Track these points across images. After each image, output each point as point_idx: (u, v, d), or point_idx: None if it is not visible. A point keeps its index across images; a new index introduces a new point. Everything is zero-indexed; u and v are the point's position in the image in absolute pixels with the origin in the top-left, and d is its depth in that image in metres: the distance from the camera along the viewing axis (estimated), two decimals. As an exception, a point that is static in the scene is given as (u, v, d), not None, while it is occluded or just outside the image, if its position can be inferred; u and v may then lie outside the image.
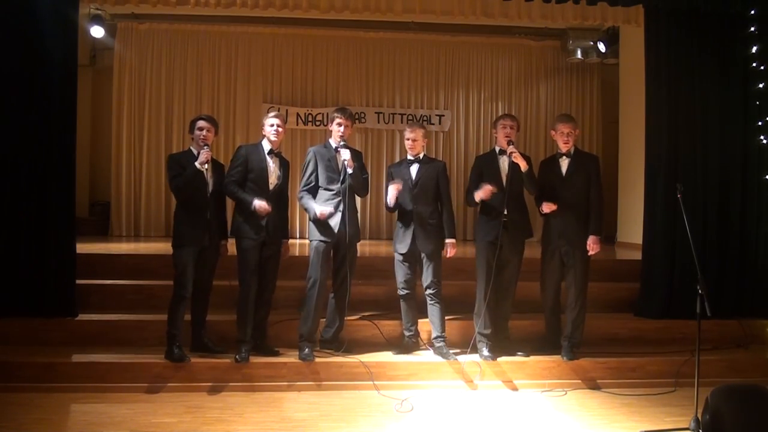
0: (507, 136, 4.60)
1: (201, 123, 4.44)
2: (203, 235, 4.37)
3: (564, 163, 4.67)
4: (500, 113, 8.83)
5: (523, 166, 4.49)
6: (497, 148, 4.72)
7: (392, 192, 4.56)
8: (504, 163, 4.64)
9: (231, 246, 4.61)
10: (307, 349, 4.45)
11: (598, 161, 4.82)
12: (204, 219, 4.38)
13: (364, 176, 4.68)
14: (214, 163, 4.55)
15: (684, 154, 5.43)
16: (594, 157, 4.95)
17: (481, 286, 4.62)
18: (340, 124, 4.58)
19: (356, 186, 4.56)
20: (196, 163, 4.30)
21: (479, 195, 4.54)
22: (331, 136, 4.69)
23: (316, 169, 4.58)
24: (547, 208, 4.57)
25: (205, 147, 4.35)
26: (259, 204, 4.33)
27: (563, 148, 4.66)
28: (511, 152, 4.48)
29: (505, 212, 4.53)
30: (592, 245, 4.55)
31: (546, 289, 4.75)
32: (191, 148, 4.49)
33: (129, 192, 8.52)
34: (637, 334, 5.15)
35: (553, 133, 4.76)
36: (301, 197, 4.60)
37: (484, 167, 4.70)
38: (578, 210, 4.59)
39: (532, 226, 4.92)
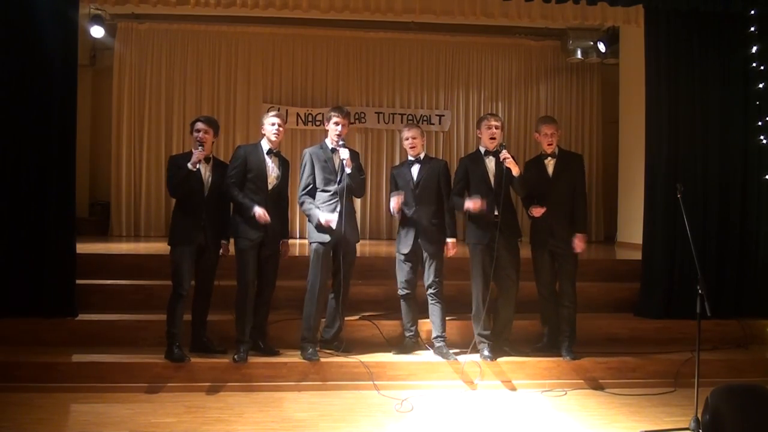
0: (492, 137, 4.61)
1: (198, 124, 4.44)
2: (198, 234, 4.37)
3: (550, 165, 4.68)
4: (500, 113, 8.87)
5: (515, 171, 4.47)
6: (482, 149, 4.70)
7: (394, 203, 4.55)
8: (491, 163, 4.62)
9: (230, 246, 4.61)
10: (311, 349, 4.45)
11: (582, 160, 4.91)
12: (199, 218, 4.38)
13: (361, 176, 4.66)
14: (215, 163, 4.55)
15: (684, 154, 5.43)
16: (578, 156, 5.03)
17: (477, 289, 4.61)
18: (337, 123, 4.56)
19: (354, 186, 4.54)
20: (189, 164, 4.30)
21: (469, 205, 4.47)
22: (326, 137, 4.68)
23: (313, 171, 4.57)
24: (537, 212, 4.58)
25: (199, 147, 4.33)
26: (260, 213, 4.33)
27: (547, 150, 4.69)
28: (504, 158, 4.44)
29: (496, 213, 4.53)
30: (579, 243, 4.57)
31: (542, 285, 4.75)
32: (192, 149, 4.49)
33: (129, 192, 8.53)
34: (637, 334, 5.15)
35: (536, 135, 4.78)
36: (302, 202, 4.57)
37: (471, 169, 4.67)
38: (567, 208, 4.62)
39: (524, 227, 4.93)
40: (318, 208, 4.50)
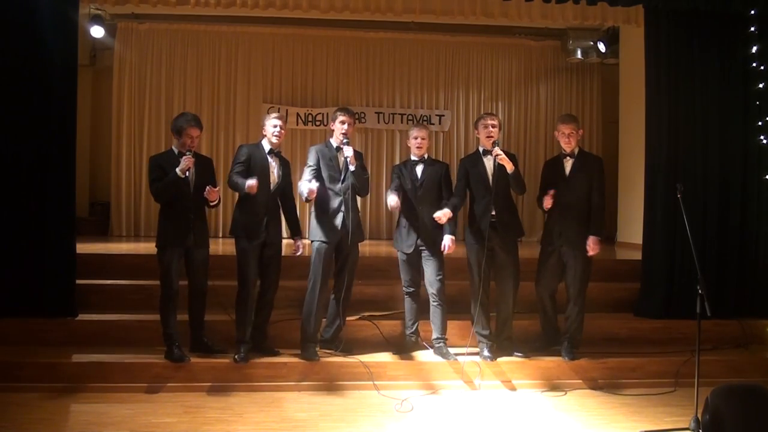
0: (489, 136, 4.60)
1: (192, 131, 4.35)
2: (187, 235, 4.34)
3: (567, 164, 4.65)
4: (500, 113, 8.87)
5: (509, 168, 4.47)
6: (481, 149, 4.69)
7: (392, 202, 4.54)
8: (489, 163, 4.61)
9: (230, 245, 4.61)
10: (311, 349, 4.46)
11: (602, 163, 4.80)
12: (187, 219, 4.35)
13: (365, 176, 4.68)
14: (198, 158, 4.45)
15: (684, 154, 5.43)
16: (598, 159, 4.94)
17: (474, 288, 4.61)
18: (343, 123, 4.57)
19: (358, 184, 4.56)
20: (178, 170, 4.24)
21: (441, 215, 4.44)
22: (331, 136, 4.69)
23: (318, 166, 4.57)
24: (547, 202, 4.55)
25: (188, 153, 4.29)
26: (250, 183, 4.27)
27: (566, 149, 4.65)
28: (497, 155, 4.45)
29: (493, 213, 4.52)
30: (593, 245, 4.54)
31: (541, 289, 4.74)
32: (173, 148, 4.43)
33: (129, 192, 8.52)
34: (637, 334, 5.15)
35: (556, 133, 4.75)
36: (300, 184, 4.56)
37: (470, 169, 4.67)
38: (580, 210, 4.58)
39: (530, 226, 4.91)
40: (320, 205, 4.49)
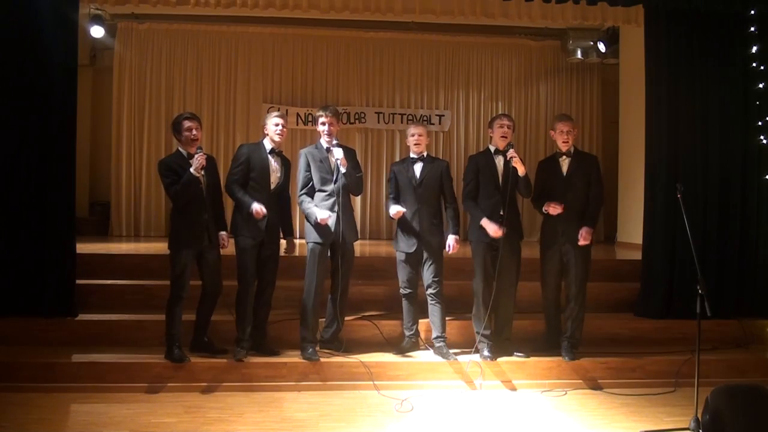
0: (504, 136, 4.60)
1: (187, 122, 4.34)
2: (202, 236, 4.34)
3: (564, 163, 4.67)
4: (500, 113, 8.86)
5: (521, 171, 4.48)
6: (492, 148, 4.70)
7: (393, 212, 4.55)
8: (500, 163, 4.62)
9: (230, 246, 4.61)
10: (310, 349, 4.45)
11: (598, 161, 4.84)
12: (202, 220, 4.35)
13: (358, 174, 4.63)
14: (207, 157, 4.44)
15: (684, 154, 5.43)
16: (593, 157, 4.96)
17: (478, 287, 4.61)
18: (324, 123, 4.54)
19: (350, 185, 4.55)
20: (192, 170, 4.22)
21: (491, 229, 4.47)
22: (320, 137, 4.67)
23: (309, 170, 4.56)
24: (554, 210, 4.55)
25: (199, 150, 4.28)
26: (256, 209, 4.31)
27: (563, 147, 4.66)
28: (512, 157, 4.47)
29: (501, 213, 4.53)
30: (585, 235, 4.56)
31: (548, 290, 4.74)
32: (179, 149, 4.41)
33: (129, 192, 8.52)
34: (637, 334, 5.15)
35: (552, 132, 4.76)
36: (302, 202, 4.56)
37: (481, 167, 4.67)
38: (579, 209, 4.60)
39: (530, 226, 4.91)
40: (316, 206, 4.50)
